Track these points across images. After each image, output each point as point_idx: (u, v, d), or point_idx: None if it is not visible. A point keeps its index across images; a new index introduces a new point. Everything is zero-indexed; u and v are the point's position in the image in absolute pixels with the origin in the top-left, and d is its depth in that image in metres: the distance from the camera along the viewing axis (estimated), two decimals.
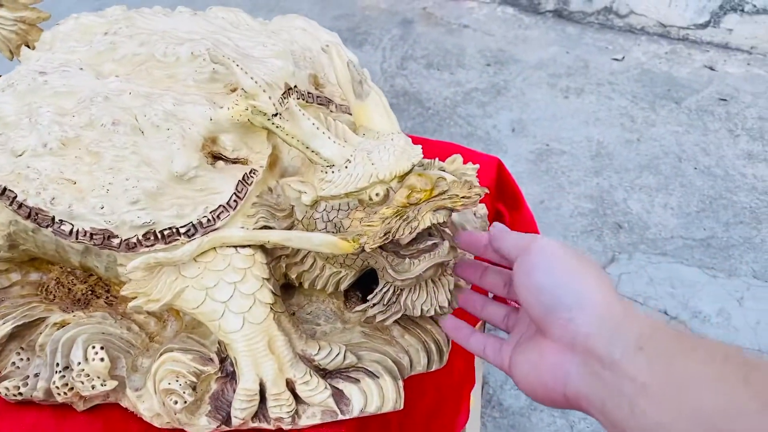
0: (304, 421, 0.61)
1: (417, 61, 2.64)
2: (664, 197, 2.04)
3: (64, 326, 0.65)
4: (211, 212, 0.60)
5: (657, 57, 2.66)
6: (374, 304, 0.64)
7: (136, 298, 0.61)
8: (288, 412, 0.60)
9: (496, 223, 0.58)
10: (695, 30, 2.68)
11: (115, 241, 0.58)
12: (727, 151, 2.21)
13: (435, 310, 0.64)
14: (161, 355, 0.63)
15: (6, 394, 0.63)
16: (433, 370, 0.67)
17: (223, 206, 0.61)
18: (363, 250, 0.58)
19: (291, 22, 0.81)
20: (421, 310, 0.63)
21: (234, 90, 0.65)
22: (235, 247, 0.62)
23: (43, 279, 0.71)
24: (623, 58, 2.65)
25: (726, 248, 1.87)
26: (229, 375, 0.63)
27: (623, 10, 2.76)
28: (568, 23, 2.87)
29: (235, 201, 0.61)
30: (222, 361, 0.63)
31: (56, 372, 0.62)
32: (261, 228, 0.64)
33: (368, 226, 0.58)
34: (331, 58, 0.68)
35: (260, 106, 0.59)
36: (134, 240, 0.59)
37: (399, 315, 0.64)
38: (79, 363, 0.61)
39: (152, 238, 0.59)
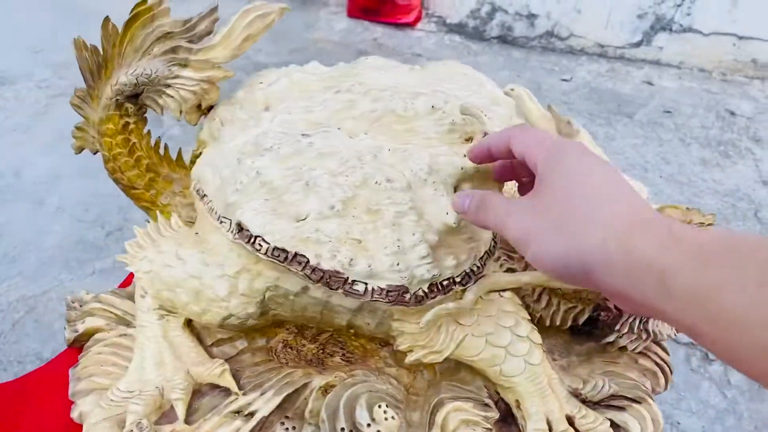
0: None
1: None
2: None
3: (328, 389, 0.63)
4: (479, 259, 0.62)
5: (600, 75, 2.85)
6: (623, 334, 0.67)
7: (411, 351, 0.61)
8: None
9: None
10: (630, 48, 2.90)
11: (407, 296, 0.58)
12: (684, 159, 2.40)
13: (672, 331, 0.68)
14: (435, 406, 0.63)
15: None
16: (663, 391, 0.70)
17: (487, 252, 0.62)
18: None
19: (453, 68, 0.83)
20: (664, 335, 0.67)
21: (468, 139, 0.66)
22: (498, 291, 0.63)
23: (269, 343, 0.69)
24: (571, 78, 2.82)
25: None
26: (503, 419, 0.64)
27: (564, 33, 2.94)
28: (513, 48, 3.02)
29: (493, 247, 0.63)
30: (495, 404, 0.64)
31: None
32: (506, 270, 0.65)
33: None
34: (521, 99, 0.71)
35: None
36: (421, 293, 0.59)
37: (648, 342, 0.67)
38: (369, 424, 0.60)
39: (435, 290, 0.59)
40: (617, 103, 2.67)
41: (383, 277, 0.57)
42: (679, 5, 2.77)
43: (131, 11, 0.71)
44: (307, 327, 0.69)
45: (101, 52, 0.73)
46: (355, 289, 0.57)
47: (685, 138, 2.50)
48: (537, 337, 0.63)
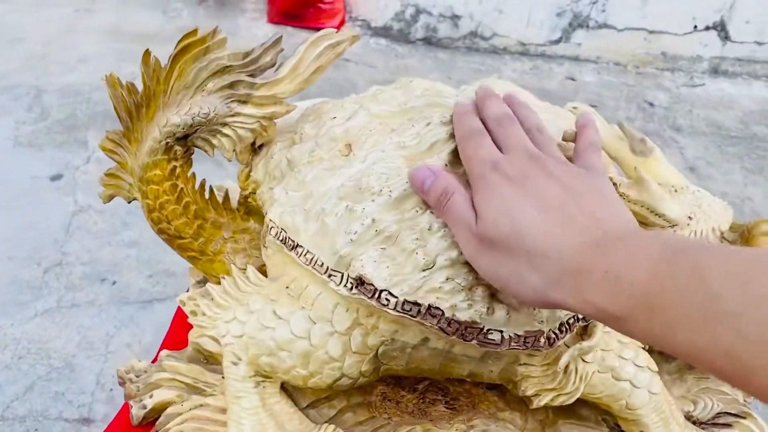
0: None
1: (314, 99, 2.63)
2: None
3: None
4: None
5: (525, 73, 2.93)
6: None
7: (538, 395, 0.58)
8: None
9: None
10: (551, 46, 3.00)
11: (542, 340, 0.55)
12: None
13: None
14: None
15: None
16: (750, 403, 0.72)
17: None
18: None
19: (497, 85, 0.80)
20: None
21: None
22: None
23: (368, 399, 0.64)
24: (499, 77, 2.87)
25: None
26: None
27: (487, 33, 2.99)
28: (438, 49, 3.04)
29: None
30: None
31: None
32: None
33: None
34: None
35: (613, 177, 0.60)
36: (552, 335, 0.56)
37: None
38: None
39: (564, 330, 0.57)
40: (545, 100, 2.74)
41: (522, 323, 0.54)
42: (594, 2, 2.89)
43: (178, 43, 0.64)
44: (405, 376, 0.65)
45: (141, 90, 0.65)
46: (490, 338, 0.54)
47: None
48: (654, 365, 0.62)
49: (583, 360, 0.59)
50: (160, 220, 0.68)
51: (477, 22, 2.98)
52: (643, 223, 0.64)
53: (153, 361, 0.71)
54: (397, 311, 0.53)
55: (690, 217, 0.64)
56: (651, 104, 2.80)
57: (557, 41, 2.99)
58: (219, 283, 0.70)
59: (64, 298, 1.76)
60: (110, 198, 0.71)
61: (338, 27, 3.00)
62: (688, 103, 2.81)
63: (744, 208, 2.24)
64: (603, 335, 0.59)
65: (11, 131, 2.29)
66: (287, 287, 0.60)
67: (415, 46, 3.05)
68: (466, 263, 0.53)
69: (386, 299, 0.53)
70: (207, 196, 0.71)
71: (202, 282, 0.79)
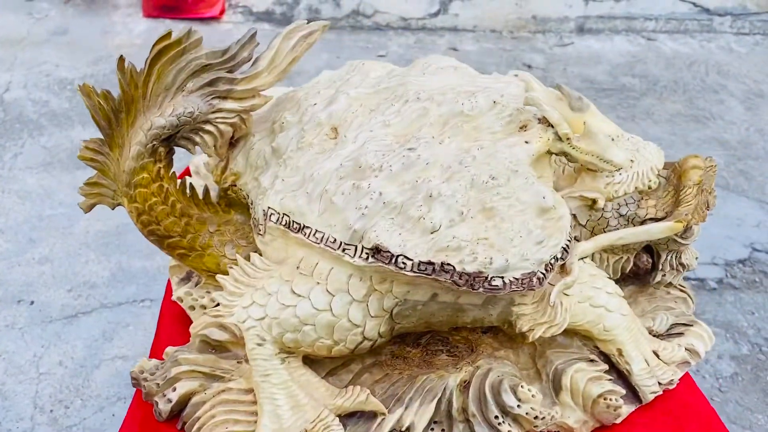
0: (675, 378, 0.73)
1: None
2: None
3: (464, 385, 0.66)
4: (569, 233, 0.68)
5: (410, 47, 3.02)
6: (666, 272, 0.78)
7: (533, 330, 0.66)
8: (672, 374, 0.72)
9: None
10: (430, 19, 3.11)
11: (535, 280, 0.63)
12: None
13: (695, 261, 0.80)
14: (555, 374, 0.69)
15: None
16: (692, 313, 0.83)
17: (572, 226, 0.69)
18: (688, 227, 0.72)
19: (445, 62, 0.86)
20: (692, 265, 0.80)
21: (522, 127, 0.71)
22: (582, 258, 0.71)
23: (379, 359, 0.69)
24: (386, 54, 2.95)
25: None
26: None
27: (369, 10, 3.05)
28: None
29: (572, 221, 0.70)
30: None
31: (499, 423, 0.64)
32: (573, 239, 0.73)
33: (686, 206, 0.73)
34: (529, 82, 0.79)
35: (568, 132, 0.69)
36: (541, 275, 0.64)
37: (684, 273, 0.79)
38: (519, 405, 0.64)
39: (549, 269, 0.65)
40: None
41: (517, 267, 0.61)
42: None
43: (153, 47, 0.66)
44: (407, 333, 0.70)
45: (118, 96, 0.66)
46: (494, 285, 0.61)
47: None
48: (619, 290, 0.71)
49: (566, 294, 0.67)
50: (150, 222, 0.70)
51: (358, 1, 3.03)
52: (593, 170, 0.73)
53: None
54: (414, 272, 0.58)
55: (632, 161, 0.73)
56: (529, 66, 2.98)
57: (436, 14, 3.10)
58: (208, 277, 0.73)
59: None
60: (91, 207, 0.71)
61: (219, 16, 2.95)
62: (561, 62, 3.01)
63: None
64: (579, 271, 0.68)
65: None
66: (298, 267, 0.64)
67: None
68: (465, 223, 0.60)
69: (403, 263, 0.58)
70: (188, 193, 0.73)
71: (186, 279, 0.80)
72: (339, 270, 0.62)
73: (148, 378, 0.67)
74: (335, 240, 0.61)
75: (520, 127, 0.71)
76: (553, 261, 0.65)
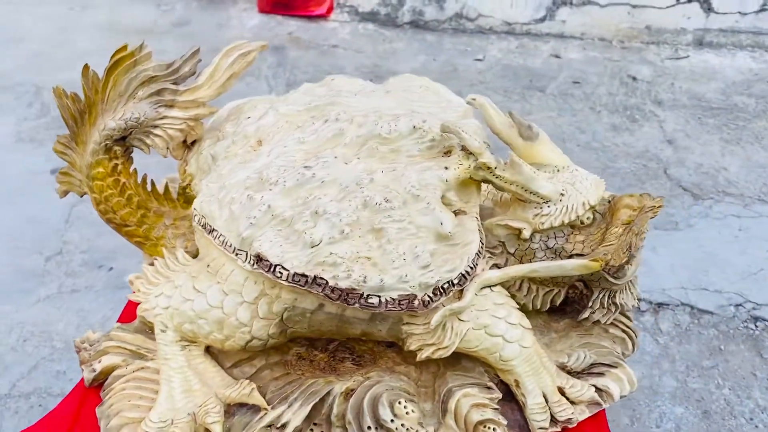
0: (579, 418, 0.72)
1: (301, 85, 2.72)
2: None
3: (349, 393, 0.69)
4: (471, 260, 0.69)
5: (510, 52, 2.99)
6: (595, 309, 0.77)
7: (421, 350, 0.68)
8: (570, 413, 0.71)
9: None
10: (535, 24, 3.05)
11: (416, 303, 0.65)
12: (597, 127, 2.57)
13: (635, 302, 0.78)
14: (445, 395, 0.70)
15: None
16: (632, 354, 0.81)
17: (477, 253, 0.70)
18: (607, 266, 0.71)
19: (411, 82, 0.89)
20: (629, 305, 0.77)
21: (447, 152, 0.73)
22: (489, 287, 0.71)
23: (285, 358, 0.74)
24: (484, 57, 2.94)
25: None
26: (504, 398, 0.72)
27: (472, 14, 3.05)
28: (425, 32, 3.11)
29: (481, 248, 0.71)
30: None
31: None
32: (492, 267, 0.74)
33: (608, 246, 0.71)
34: (484, 108, 0.79)
35: (489, 162, 0.69)
36: (427, 298, 0.66)
37: (616, 313, 0.77)
38: (392, 420, 0.67)
39: (438, 293, 0.67)
40: (529, 78, 2.81)
41: (394, 288, 0.64)
42: None
43: (111, 57, 0.74)
44: (317, 338, 0.75)
45: (83, 99, 0.75)
46: (370, 302, 0.64)
47: (595, 106, 2.67)
48: (527, 322, 0.71)
49: (459, 319, 0.69)
50: (107, 211, 0.79)
51: (462, 3, 3.04)
52: (520, 200, 0.73)
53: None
54: (289, 282, 0.63)
55: (562, 194, 0.73)
56: (634, 78, 2.85)
57: (542, 19, 3.04)
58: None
59: (65, 284, 1.87)
60: (65, 193, 0.82)
61: (327, 14, 3.08)
62: (670, 76, 2.86)
63: (719, 177, 2.30)
64: (476, 297, 0.69)
65: (13, 128, 2.41)
66: (208, 265, 0.70)
67: (402, 29, 3.12)
68: (346, 241, 0.63)
69: (280, 272, 0.63)
70: (149, 188, 0.82)
71: (152, 263, 0.90)
72: (238, 272, 0.68)
73: (87, 348, 0.77)
74: (231, 245, 0.66)
75: (445, 153, 0.73)
76: (445, 285, 0.67)
